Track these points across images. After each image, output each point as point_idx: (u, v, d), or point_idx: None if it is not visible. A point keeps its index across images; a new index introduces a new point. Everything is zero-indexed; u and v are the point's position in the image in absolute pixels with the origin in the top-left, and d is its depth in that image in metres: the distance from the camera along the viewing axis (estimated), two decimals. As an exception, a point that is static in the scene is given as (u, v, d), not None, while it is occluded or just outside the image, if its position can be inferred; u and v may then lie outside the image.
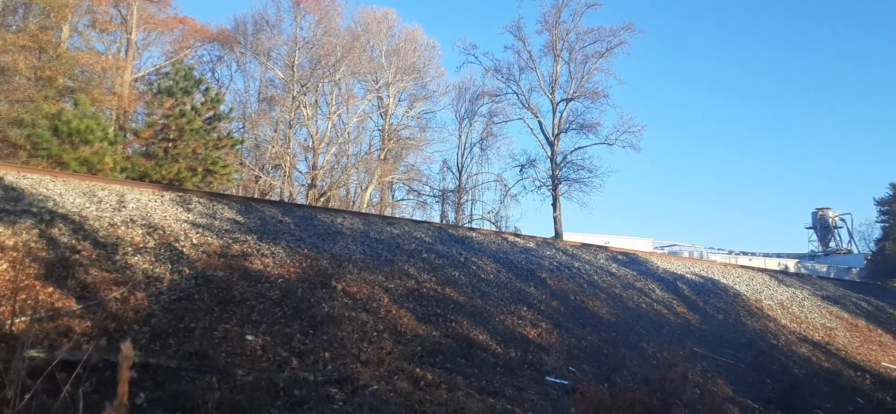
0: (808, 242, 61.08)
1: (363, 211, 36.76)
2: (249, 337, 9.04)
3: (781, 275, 24.83)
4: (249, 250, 12.23)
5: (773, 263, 41.64)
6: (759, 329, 16.89)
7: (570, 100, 38.20)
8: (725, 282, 20.20)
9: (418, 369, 9.39)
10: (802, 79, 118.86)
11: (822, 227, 57.72)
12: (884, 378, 15.81)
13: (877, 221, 50.42)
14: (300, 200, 38.89)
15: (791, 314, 18.80)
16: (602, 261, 19.09)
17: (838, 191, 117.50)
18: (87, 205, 12.36)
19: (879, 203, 48.25)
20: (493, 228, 40.11)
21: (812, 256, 53.69)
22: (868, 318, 20.55)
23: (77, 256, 10.20)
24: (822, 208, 58.03)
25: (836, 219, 57.05)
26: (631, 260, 20.13)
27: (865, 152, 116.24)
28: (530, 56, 38.83)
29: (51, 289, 9.01)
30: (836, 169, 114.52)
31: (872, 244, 51.52)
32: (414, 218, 34.41)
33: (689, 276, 19.88)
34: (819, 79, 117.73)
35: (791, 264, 44.20)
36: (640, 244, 41.22)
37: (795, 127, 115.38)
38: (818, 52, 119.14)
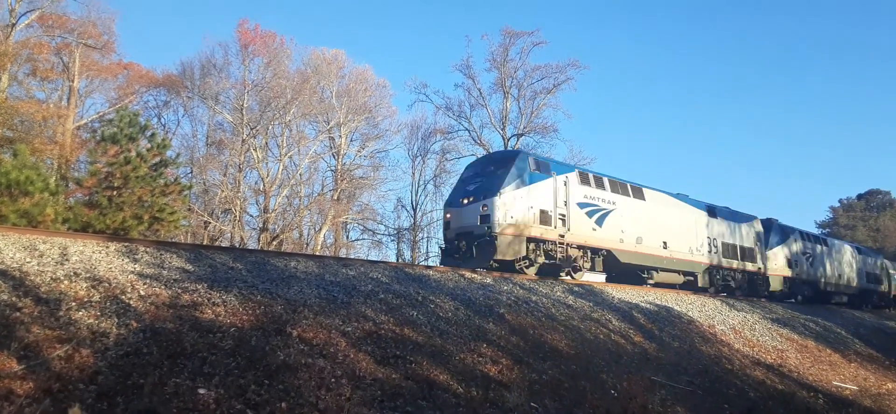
0: (755, 265, 62.62)
1: (317, 253, 36.36)
2: (202, 390, 8.70)
3: (732, 299, 25.35)
4: (200, 299, 11.86)
5: (723, 288, 42.44)
6: (713, 354, 17.14)
7: (521, 135, 38.87)
8: (679, 309, 20.50)
9: (379, 415, 9.19)
10: (744, 102, 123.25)
11: (768, 250, 59.30)
12: (836, 397, 16.17)
13: (819, 243, 52.20)
14: (252, 245, 38.25)
15: (743, 338, 19.15)
16: (559, 293, 19.17)
17: (781, 215, 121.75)
18: (28, 259, 11.85)
19: (821, 226, 50.10)
20: (450, 265, 40.02)
21: (760, 280, 55.01)
22: (817, 338, 21.10)
23: (18, 313, 9.72)
24: (767, 232, 59.66)
25: (781, 242, 58.74)
26: (587, 291, 20.27)
27: (806, 176, 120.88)
28: (480, 93, 39.57)
29: (-12, 350, 8.55)
30: (778, 192, 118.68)
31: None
32: (369, 258, 34.10)
33: (643, 304, 20.11)
34: (759, 102, 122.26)
35: (740, 288, 45.16)
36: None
37: (738, 151, 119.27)
38: (760, 75, 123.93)
